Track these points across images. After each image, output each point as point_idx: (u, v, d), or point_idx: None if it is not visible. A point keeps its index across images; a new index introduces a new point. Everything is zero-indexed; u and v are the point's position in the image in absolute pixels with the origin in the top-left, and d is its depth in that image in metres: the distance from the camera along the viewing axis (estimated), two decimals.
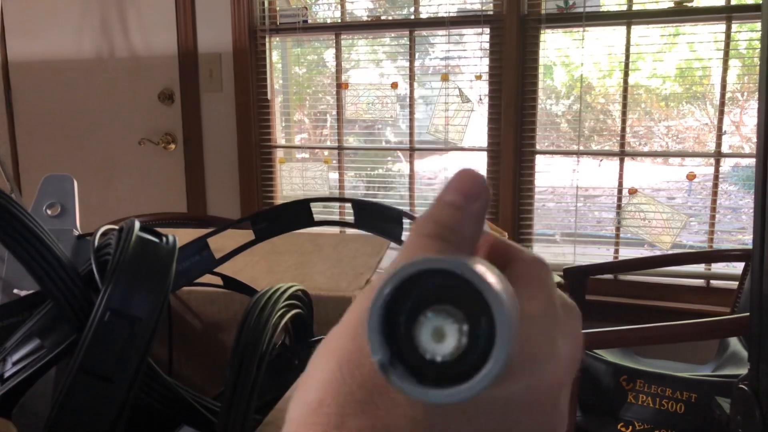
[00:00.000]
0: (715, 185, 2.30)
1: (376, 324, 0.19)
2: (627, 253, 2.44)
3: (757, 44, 2.22)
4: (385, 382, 0.19)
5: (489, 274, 0.19)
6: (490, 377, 0.18)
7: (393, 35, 2.67)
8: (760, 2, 1.53)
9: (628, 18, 2.29)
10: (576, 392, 1.66)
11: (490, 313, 0.19)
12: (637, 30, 2.31)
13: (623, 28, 2.31)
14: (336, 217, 2.80)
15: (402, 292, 0.20)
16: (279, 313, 0.53)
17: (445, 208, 0.22)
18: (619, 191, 2.41)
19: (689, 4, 2.23)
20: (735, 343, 1.98)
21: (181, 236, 0.54)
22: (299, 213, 0.61)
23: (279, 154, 2.84)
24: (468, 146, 2.57)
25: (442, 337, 0.19)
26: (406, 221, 0.59)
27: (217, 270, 0.62)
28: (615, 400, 1.81)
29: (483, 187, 0.22)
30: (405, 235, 0.60)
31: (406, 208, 2.71)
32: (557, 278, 2.25)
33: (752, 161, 2.24)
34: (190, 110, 2.84)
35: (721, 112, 2.26)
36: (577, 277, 2.25)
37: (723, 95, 2.24)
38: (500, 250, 0.25)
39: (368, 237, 0.70)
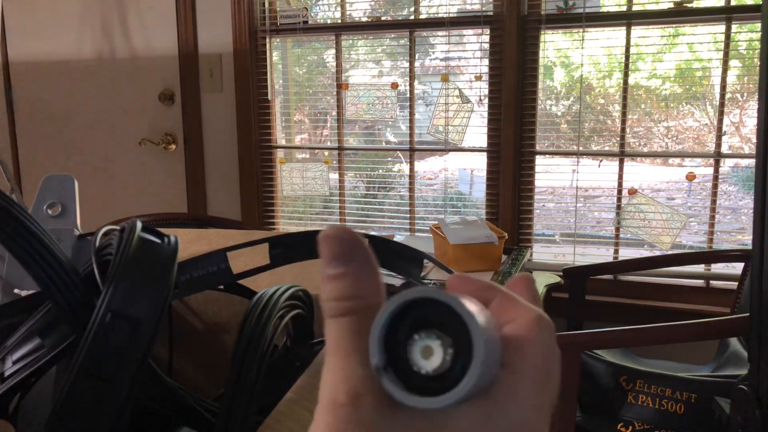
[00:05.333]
0: (715, 186, 2.30)
1: (377, 334, 0.23)
2: (627, 254, 2.44)
3: (757, 44, 2.22)
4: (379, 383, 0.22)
5: (473, 307, 0.22)
6: (461, 393, 0.22)
7: (393, 36, 2.67)
8: (760, 2, 1.53)
9: (628, 18, 2.29)
10: (576, 392, 1.66)
11: (470, 340, 0.22)
12: (637, 30, 2.31)
13: (623, 29, 2.31)
14: (336, 218, 2.80)
15: (401, 315, 0.23)
16: (279, 314, 0.53)
17: (330, 282, 0.23)
18: (619, 192, 2.41)
19: (689, 5, 2.23)
20: (735, 343, 1.98)
21: (182, 236, 0.54)
22: (314, 243, 0.62)
23: (279, 154, 2.84)
24: (468, 147, 2.57)
25: (429, 355, 0.23)
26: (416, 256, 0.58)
27: None
28: (615, 401, 1.80)
29: (354, 242, 0.22)
30: (424, 276, 0.60)
31: (406, 208, 2.70)
32: (556, 278, 2.25)
33: (752, 162, 2.24)
34: (190, 111, 2.84)
35: (721, 113, 2.26)
36: (577, 278, 2.25)
37: (723, 96, 2.24)
38: (506, 304, 0.25)
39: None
